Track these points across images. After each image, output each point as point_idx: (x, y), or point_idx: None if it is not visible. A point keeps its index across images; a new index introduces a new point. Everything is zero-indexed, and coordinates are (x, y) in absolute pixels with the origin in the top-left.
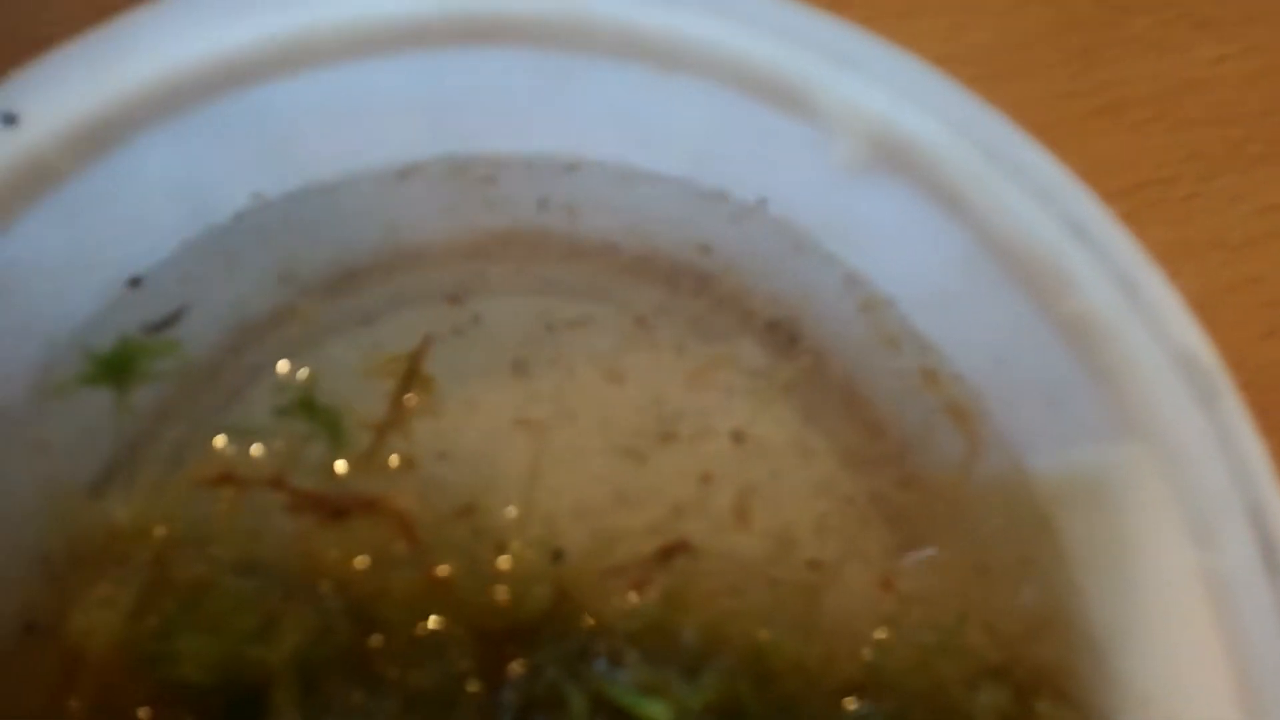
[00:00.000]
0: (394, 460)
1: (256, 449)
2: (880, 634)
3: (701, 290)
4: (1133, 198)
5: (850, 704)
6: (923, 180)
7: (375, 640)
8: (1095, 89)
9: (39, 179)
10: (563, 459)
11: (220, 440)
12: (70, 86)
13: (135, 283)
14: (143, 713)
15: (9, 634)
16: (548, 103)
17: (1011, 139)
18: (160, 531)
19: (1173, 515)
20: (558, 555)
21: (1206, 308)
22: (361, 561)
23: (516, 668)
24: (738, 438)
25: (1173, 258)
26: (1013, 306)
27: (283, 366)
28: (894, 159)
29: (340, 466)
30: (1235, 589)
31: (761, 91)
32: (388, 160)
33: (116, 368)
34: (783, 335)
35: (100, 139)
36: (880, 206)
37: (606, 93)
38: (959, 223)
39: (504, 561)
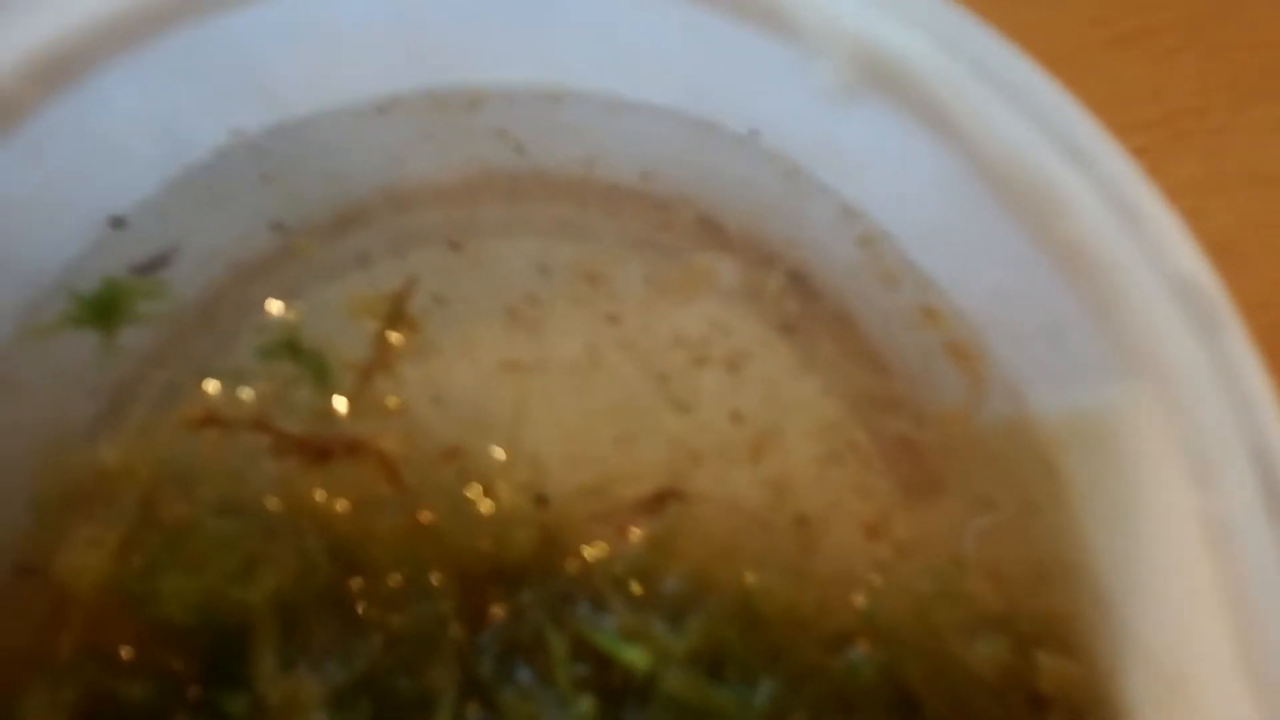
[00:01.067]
0: (380, 402)
1: (244, 392)
2: (875, 580)
3: (699, 226)
4: (1161, 130)
5: (843, 653)
6: (910, 102)
7: (356, 582)
8: (1121, 15)
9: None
10: (554, 403)
11: (208, 383)
12: (22, 19)
13: (118, 223)
14: (126, 651)
15: (1, 575)
16: (528, 28)
17: (1002, 55)
18: (146, 473)
19: (1174, 457)
20: (543, 499)
21: (1238, 244)
22: (344, 504)
23: (498, 611)
24: (735, 376)
25: (1203, 192)
26: (1009, 236)
27: (274, 309)
28: (879, 80)
29: (326, 408)
30: (1235, 536)
31: (741, 10)
32: (366, 94)
33: (102, 309)
34: (789, 278)
35: (60, 71)
36: (871, 133)
37: (589, 17)
38: (949, 147)
39: (488, 504)
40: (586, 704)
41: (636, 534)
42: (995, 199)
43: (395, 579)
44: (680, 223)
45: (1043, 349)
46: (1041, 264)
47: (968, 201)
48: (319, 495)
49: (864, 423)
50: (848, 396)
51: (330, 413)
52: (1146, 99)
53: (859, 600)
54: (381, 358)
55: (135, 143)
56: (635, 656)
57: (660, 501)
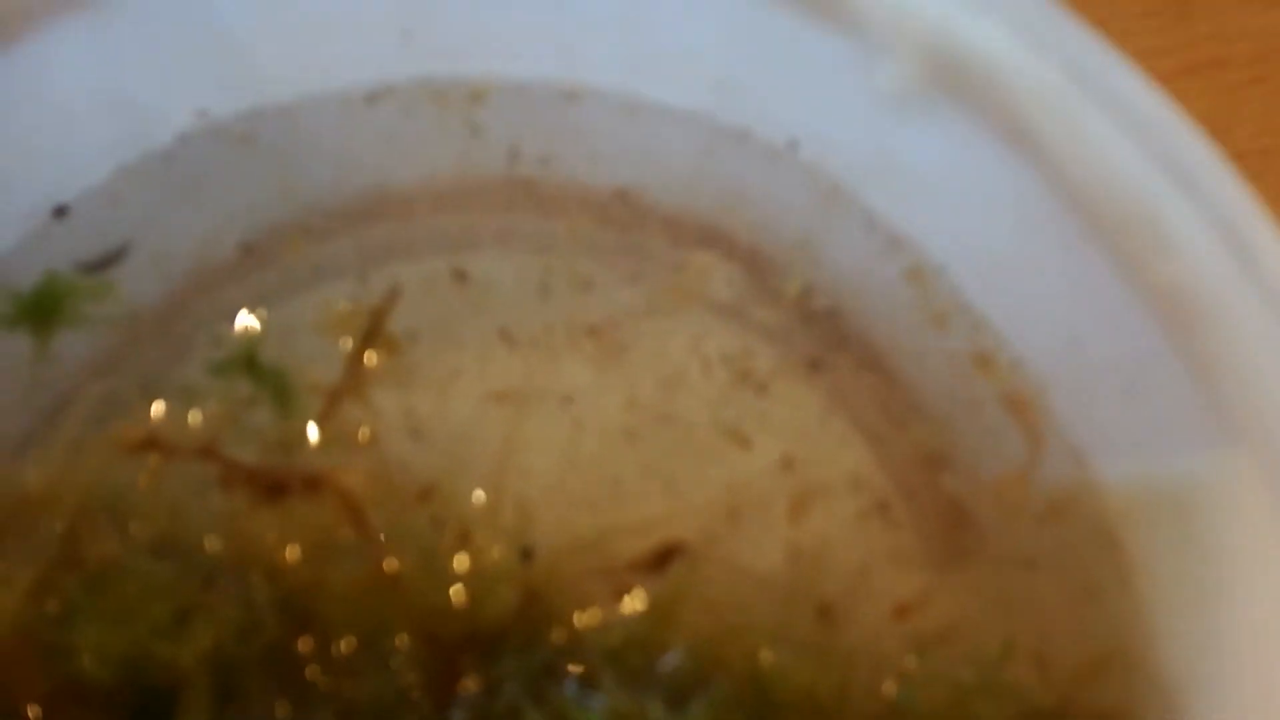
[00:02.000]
0: (349, 432)
1: (193, 414)
2: (910, 664)
3: (724, 251)
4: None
5: None
6: (988, 109)
7: (306, 643)
8: (1187, 44)
9: None
10: (547, 441)
11: (153, 401)
12: None
13: (61, 212)
14: (34, 710)
15: None
16: (542, 13)
17: (1103, 60)
18: (73, 501)
19: (1274, 542)
20: (528, 552)
21: None
22: (297, 550)
23: (470, 684)
24: (764, 400)
25: None
26: (1092, 273)
27: (237, 320)
28: (953, 82)
29: (286, 437)
30: None
31: None
32: (354, 79)
33: (41, 308)
34: (822, 317)
35: None
36: (934, 146)
37: (611, 3)
38: (1031, 164)
39: (464, 556)
40: None
41: (636, 597)
42: (1081, 230)
43: (352, 640)
44: (690, 242)
45: (1117, 407)
46: (1130, 307)
47: (1046, 232)
48: (270, 537)
49: (900, 481)
50: (881, 449)
51: (290, 442)
52: (1213, 137)
53: (889, 687)
54: (354, 380)
55: (84, 119)
56: None
57: (663, 559)
